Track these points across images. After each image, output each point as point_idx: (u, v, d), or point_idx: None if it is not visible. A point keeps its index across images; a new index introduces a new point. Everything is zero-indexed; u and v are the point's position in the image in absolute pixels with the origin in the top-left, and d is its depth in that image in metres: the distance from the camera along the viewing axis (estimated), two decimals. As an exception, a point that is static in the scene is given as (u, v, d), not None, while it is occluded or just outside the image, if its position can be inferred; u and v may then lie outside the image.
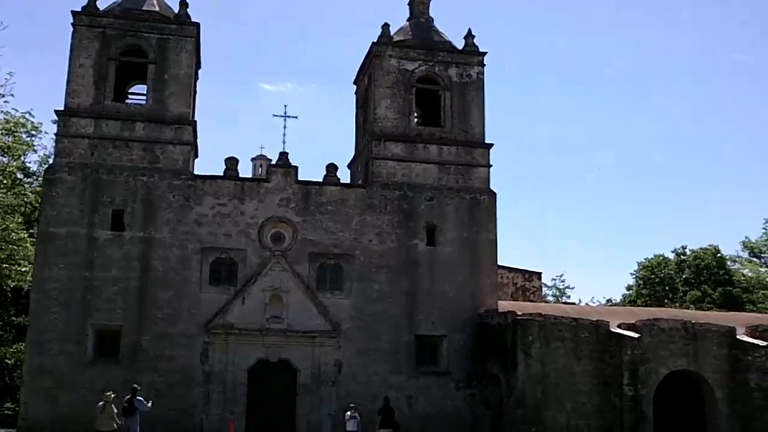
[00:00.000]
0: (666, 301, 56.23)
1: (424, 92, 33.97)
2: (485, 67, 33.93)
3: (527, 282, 44.22)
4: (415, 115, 34.33)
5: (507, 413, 28.51)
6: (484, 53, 34.05)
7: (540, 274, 45.84)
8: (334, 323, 30.08)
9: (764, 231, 60.23)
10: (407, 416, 28.85)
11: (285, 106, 37.02)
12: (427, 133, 33.06)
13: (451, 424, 29.86)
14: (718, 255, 60.85)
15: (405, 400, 29.73)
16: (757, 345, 29.64)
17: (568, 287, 65.20)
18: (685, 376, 30.17)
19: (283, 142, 39.07)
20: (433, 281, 31.30)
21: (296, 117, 35.22)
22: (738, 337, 30.16)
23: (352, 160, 35.93)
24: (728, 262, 61.82)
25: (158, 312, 29.11)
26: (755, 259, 61.97)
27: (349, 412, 24.94)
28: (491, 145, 33.19)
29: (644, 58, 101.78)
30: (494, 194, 32.72)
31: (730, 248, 70.80)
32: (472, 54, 34.07)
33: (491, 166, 33.08)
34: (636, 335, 28.76)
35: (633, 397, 28.09)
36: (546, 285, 58.66)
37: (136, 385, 23.78)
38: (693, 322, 30.55)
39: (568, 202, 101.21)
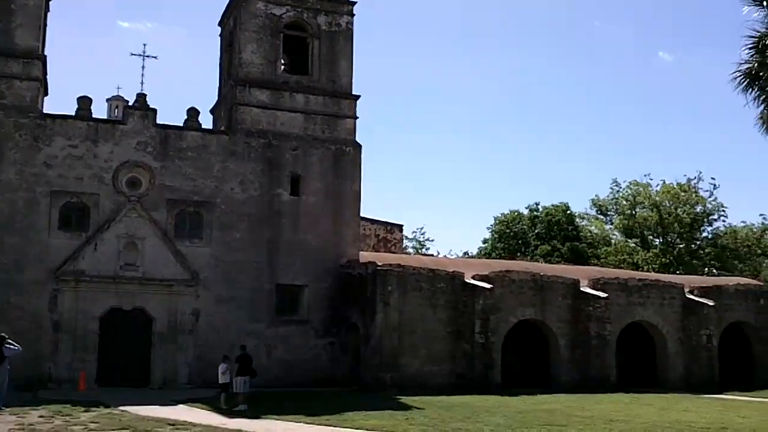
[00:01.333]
0: (518, 254, 58.77)
1: (292, 39, 33.43)
2: (355, 17, 33.73)
3: (389, 234, 45.04)
4: (282, 62, 33.78)
5: (364, 359, 29.17)
6: (354, 2, 33.79)
7: (401, 226, 46.80)
8: (192, 271, 29.53)
9: (611, 190, 63.91)
10: (266, 364, 28.85)
11: (144, 45, 35.85)
12: (294, 81, 32.65)
13: (310, 371, 30.21)
14: (568, 212, 64.02)
15: (264, 348, 29.78)
16: (598, 296, 31.69)
17: (428, 240, 66.88)
18: (533, 325, 31.87)
19: (142, 83, 37.62)
20: (296, 231, 31.25)
21: (156, 57, 34.06)
22: (581, 288, 32.15)
23: (215, 105, 34.99)
24: (577, 219, 65.21)
25: (3, 258, 27.56)
26: (602, 217, 65.66)
27: (224, 364, 23.97)
28: (358, 96, 33.22)
29: (511, 15, 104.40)
30: (359, 146, 32.87)
31: (580, 206, 74.81)
32: (341, 3, 33.72)
33: (357, 117, 33.16)
34: (489, 286, 30.03)
35: (483, 344, 29.46)
36: (407, 237, 60.08)
37: (3, 334, 22.42)
38: (541, 274, 32.27)
39: (431, 157, 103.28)
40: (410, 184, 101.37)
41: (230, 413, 20.49)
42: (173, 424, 18.00)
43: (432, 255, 53.67)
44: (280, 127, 31.77)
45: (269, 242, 30.84)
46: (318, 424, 18.39)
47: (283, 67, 33.69)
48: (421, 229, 66.90)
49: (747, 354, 35.96)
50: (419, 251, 61.92)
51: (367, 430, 17.68)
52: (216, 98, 35.14)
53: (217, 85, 35.44)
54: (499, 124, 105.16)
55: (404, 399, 24.30)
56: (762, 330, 35.53)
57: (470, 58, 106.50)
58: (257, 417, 19.68)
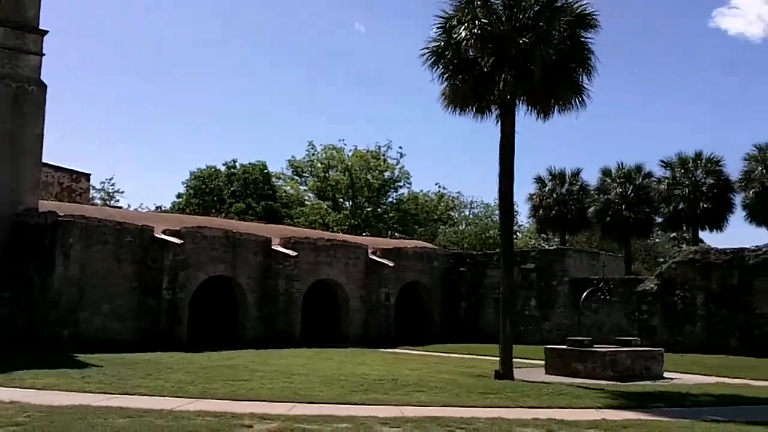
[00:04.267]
0: (213, 210, 58.41)
1: (-33, -42, 29.62)
2: (43, -56, 30.76)
3: (74, 183, 42.27)
4: (-44, -17, 29.87)
5: (40, 316, 27.18)
6: (44, -72, 30.78)
7: (89, 175, 44.13)
8: None
9: (308, 153, 65.92)
10: None
11: None
12: (-30, 7, 29.06)
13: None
14: (265, 171, 64.88)
15: None
16: (288, 255, 32.62)
17: (117, 191, 63.72)
18: (225, 281, 31.96)
19: None
20: (-36, 174, 28.07)
21: None
22: (273, 247, 32.84)
23: None
24: (274, 179, 66.37)
25: None
26: (297, 178, 67.54)
27: None
28: (46, 31, 30.45)
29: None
30: (45, 86, 30.24)
31: (277, 166, 76.10)
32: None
33: (44, 54, 30.44)
34: (179, 241, 29.50)
35: (171, 301, 28.91)
36: (95, 188, 56.73)
37: None
38: (235, 231, 32.40)
39: (124, 106, 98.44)
40: (101, 134, 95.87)
41: None
42: None
43: (121, 207, 51.33)
44: (-51, 56, 28.18)
45: (-70, 185, 27.38)
46: (-20, 385, 16.80)
47: (-44, -12, 29.82)
48: (111, 179, 63.61)
49: (421, 311, 39.40)
50: (107, 203, 58.88)
51: (38, 389, 16.46)
52: None
53: None
54: (198, 77, 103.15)
55: (83, 357, 23.05)
56: (433, 289, 39.17)
57: (173, 14, 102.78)
58: None
